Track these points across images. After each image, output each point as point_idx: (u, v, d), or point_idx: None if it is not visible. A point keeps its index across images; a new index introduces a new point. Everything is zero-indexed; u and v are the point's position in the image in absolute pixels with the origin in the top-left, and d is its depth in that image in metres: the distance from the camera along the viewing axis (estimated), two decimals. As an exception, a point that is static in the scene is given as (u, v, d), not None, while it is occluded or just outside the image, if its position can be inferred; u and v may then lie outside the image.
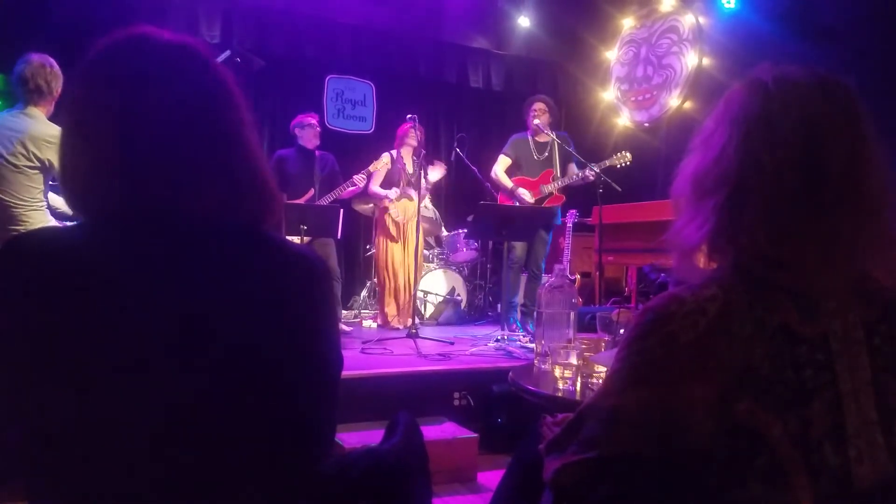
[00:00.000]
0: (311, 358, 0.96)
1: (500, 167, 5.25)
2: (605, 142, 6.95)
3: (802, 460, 0.86)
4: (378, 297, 5.68)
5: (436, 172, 5.58)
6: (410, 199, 5.56)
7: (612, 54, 7.34)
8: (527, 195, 5.07)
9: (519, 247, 5.09)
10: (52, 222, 3.30)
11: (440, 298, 6.15)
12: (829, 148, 0.91)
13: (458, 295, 6.23)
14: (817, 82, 0.95)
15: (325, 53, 6.75)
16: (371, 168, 5.39)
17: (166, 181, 0.91)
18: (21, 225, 3.18)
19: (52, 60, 3.27)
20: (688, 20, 6.45)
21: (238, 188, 0.96)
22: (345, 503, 1.10)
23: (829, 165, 0.90)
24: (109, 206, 0.92)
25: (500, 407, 3.64)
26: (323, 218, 4.88)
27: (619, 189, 4.81)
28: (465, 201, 6.88)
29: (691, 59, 6.36)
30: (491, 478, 3.20)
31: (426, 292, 6.05)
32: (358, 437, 3.04)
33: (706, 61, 6.28)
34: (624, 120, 7.16)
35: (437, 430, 3.36)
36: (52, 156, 3.18)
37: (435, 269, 6.20)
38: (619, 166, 5.02)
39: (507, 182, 5.17)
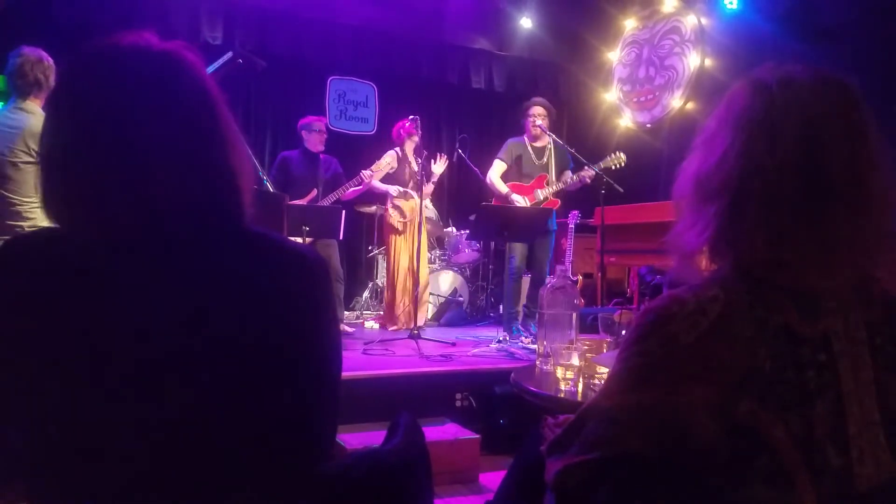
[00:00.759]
0: (310, 358, 0.96)
1: (496, 173, 5.08)
2: (606, 143, 6.94)
3: (804, 461, 0.86)
4: (388, 298, 5.64)
5: (439, 165, 5.55)
6: (413, 198, 5.55)
7: (614, 55, 7.34)
8: (521, 201, 4.95)
9: (519, 256, 4.95)
10: None
11: (442, 299, 6.15)
12: (831, 150, 0.90)
13: (460, 296, 6.23)
14: (821, 83, 0.94)
15: (327, 55, 6.75)
16: (375, 167, 5.38)
17: (148, 192, 0.88)
18: (25, 222, 3.17)
19: (44, 53, 3.24)
20: (690, 21, 6.45)
21: (219, 191, 0.95)
22: (346, 504, 1.10)
23: (830, 168, 0.90)
24: (95, 218, 0.90)
25: (502, 408, 3.64)
26: (325, 218, 4.89)
27: (622, 190, 4.80)
28: (466, 202, 6.88)
29: (693, 60, 6.36)
30: (492, 479, 3.20)
31: (428, 293, 6.05)
32: (359, 438, 3.04)
33: (708, 62, 6.27)
34: (626, 121, 7.16)
35: (439, 431, 3.35)
36: None
37: (437, 269, 6.20)
38: (614, 167, 4.94)
39: (503, 188, 5.01)
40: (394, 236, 5.57)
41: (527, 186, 5.04)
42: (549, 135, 5.05)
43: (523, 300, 5.28)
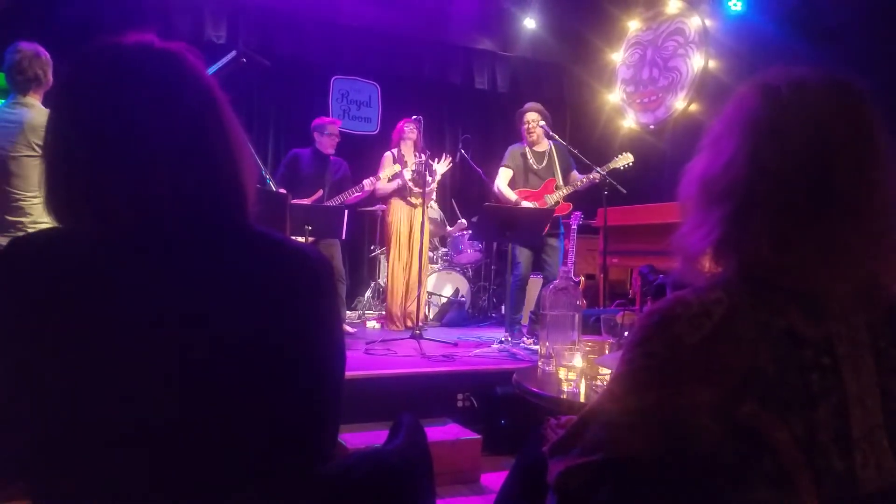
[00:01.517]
0: (313, 357, 0.95)
1: (503, 180, 5.02)
2: (610, 144, 6.94)
3: (807, 464, 0.86)
4: (389, 298, 5.63)
5: (442, 165, 5.52)
6: (413, 205, 5.54)
7: (617, 56, 7.34)
8: (531, 207, 4.88)
9: (524, 263, 4.89)
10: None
11: (444, 300, 6.15)
12: (840, 155, 0.90)
13: (462, 296, 6.23)
14: (830, 88, 0.94)
15: (330, 54, 6.76)
16: (382, 174, 5.38)
17: (150, 191, 0.89)
18: (27, 217, 3.17)
19: (41, 48, 3.24)
20: (694, 22, 6.44)
21: (222, 190, 0.95)
22: (348, 504, 1.10)
23: (838, 173, 0.90)
24: (97, 216, 0.91)
25: (504, 409, 3.64)
26: (327, 218, 4.89)
27: (624, 191, 4.79)
28: (469, 203, 6.88)
29: (697, 62, 6.36)
30: (494, 479, 3.20)
31: (430, 293, 6.05)
32: (361, 438, 3.04)
33: (712, 63, 6.27)
34: (629, 122, 7.16)
35: (441, 432, 3.35)
36: None
37: (439, 270, 6.19)
38: (622, 168, 4.89)
39: (511, 195, 4.95)
40: (395, 236, 5.57)
41: (536, 192, 4.98)
42: (548, 138, 4.99)
43: (530, 306, 5.24)
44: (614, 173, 4.86)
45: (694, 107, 6.41)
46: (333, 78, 7.10)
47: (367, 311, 6.48)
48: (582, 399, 1.81)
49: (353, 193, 5.31)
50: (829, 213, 0.89)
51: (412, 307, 5.40)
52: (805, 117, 0.92)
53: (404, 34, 6.99)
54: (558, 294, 2.21)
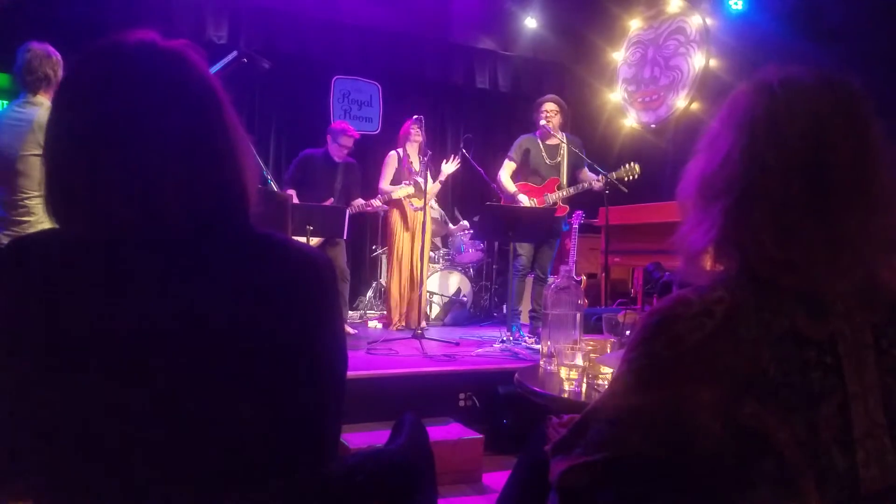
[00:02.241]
0: (315, 357, 0.95)
1: (506, 172, 5.02)
2: (611, 143, 6.94)
3: (809, 464, 0.86)
4: (391, 298, 5.65)
5: (450, 165, 5.50)
6: (416, 209, 5.54)
7: (618, 55, 7.33)
8: (526, 201, 4.88)
9: (525, 254, 4.92)
10: None
11: (446, 299, 6.15)
12: (836, 150, 0.90)
13: (464, 296, 6.23)
14: (823, 84, 0.94)
15: (331, 54, 6.76)
16: (393, 192, 5.40)
17: (152, 190, 0.88)
18: (32, 216, 3.18)
19: (52, 48, 3.26)
20: (695, 21, 6.44)
21: (225, 191, 0.95)
22: (350, 504, 1.10)
23: (835, 168, 0.90)
24: (97, 217, 0.90)
25: (506, 408, 3.65)
26: (329, 218, 4.88)
27: (626, 191, 4.78)
28: (471, 202, 6.88)
29: (698, 61, 6.35)
30: (496, 479, 3.20)
31: (432, 293, 6.05)
32: (363, 438, 3.04)
33: (713, 62, 6.26)
34: (631, 121, 7.15)
35: (443, 431, 3.36)
36: None
37: (441, 269, 6.20)
38: (627, 179, 4.81)
39: (511, 187, 4.95)
40: (397, 236, 5.56)
41: (537, 188, 4.97)
42: (560, 137, 4.97)
43: (526, 301, 5.26)
44: (621, 182, 4.83)
45: (695, 106, 6.40)
46: (334, 78, 7.09)
47: (368, 311, 6.47)
48: (583, 398, 1.81)
49: (361, 207, 5.33)
50: (827, 208, 0.90)
51: (414, 307, 5.40)
52: (801, 112, 0.92)
53: (405, 34, 6.99)
54: (560, 293, 2.21)
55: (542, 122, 4.95)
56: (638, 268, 5.50)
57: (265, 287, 0.92)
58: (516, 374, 2.03)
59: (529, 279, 5.17)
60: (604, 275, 5.57)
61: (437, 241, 6.53)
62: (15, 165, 3.15)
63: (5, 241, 3.10)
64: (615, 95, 7.37)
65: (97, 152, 0.88)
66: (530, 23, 7.31)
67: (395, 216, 5.57)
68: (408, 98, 7.10)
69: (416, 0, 6.86)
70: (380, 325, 5.78)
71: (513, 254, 4.91)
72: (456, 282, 6.23)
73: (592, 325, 3.09)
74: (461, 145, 6.24)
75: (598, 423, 0.97)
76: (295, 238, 1.05)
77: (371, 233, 6.82)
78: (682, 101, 6.50)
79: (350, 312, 6.32)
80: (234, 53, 4.00)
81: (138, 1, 5.70)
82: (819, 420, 0.87)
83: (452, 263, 6.37)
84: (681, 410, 0.90)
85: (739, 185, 0.93)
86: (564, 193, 4.95)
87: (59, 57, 3.25)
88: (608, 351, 2.18)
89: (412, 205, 5.50)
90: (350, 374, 1.04)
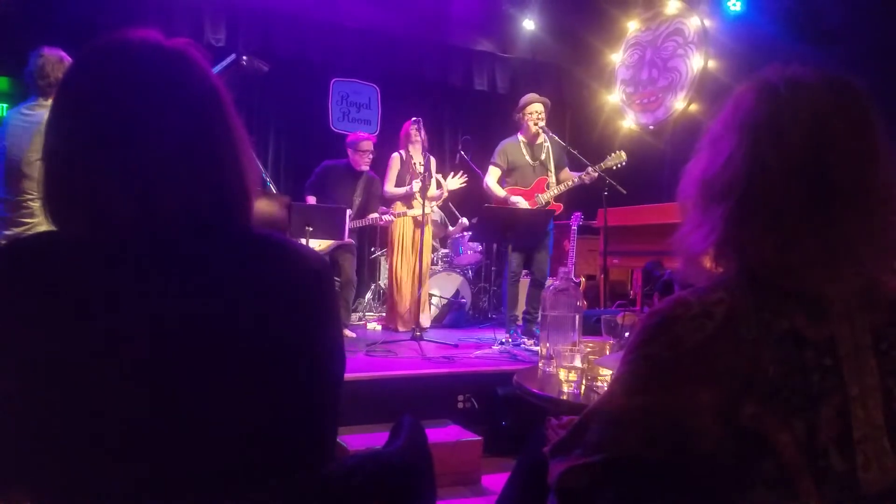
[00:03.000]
0: (312, 360, 0.95)
1: (492, 178, 5.03)
2: (610, 144, 6.93)
3: (808, 466, 0.86)
4: (390, 300, 5.63)
5: (455, 181, 5.48)
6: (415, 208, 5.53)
7: (617, 57, 7.34)
8: (522, 202, 4.90)
9: (515, 260, 4.89)
10: None
11: (445, 301, 6.14)
12: (839, 154, 0.90)
13: (463, 297, 6.22)
14: (828, 86, 0.94)
15: (330, 56, 6.76)
16: (395, 210, 5.42)
17: (152, 191, 0.88)
18: (34, 218, 3.19)
19: (64, 53, 3.32)
20: (693, 23, 6.45)
21: (226, 192, 0.95)
22: (348, 506, 1.10)
23: (837, 171, 0.90)
24: (97, 218, 0.89)
25: (505, 410, 3.64)
26: (329, 219, 4.86)
27: (625, 192, 4.79)
28: (469, 204, 6.87)
29: (696, 62, 6.36)
30: (495, 481, 3.20)
31: (431, 295, 6.05)
32: (362, 440, 3.04)
33: (711, 64, 6.27)
34: (629, 123, 7.16)
35: (442, 433, 3.35)
36: None
37: (440, 271, 6.19)
38: (615, 167, 4.84)
39: (500, 191, 4.96)
40: (397, 238, 5.55)
41: (527, 191, 4.98)
42: (545, 132, 4.97)
43: (522, 305, 5.25)
44: (610, 172, 4.84)
45: (693, 107, 6.41)
46: (333, 80, 7.10)
47: (367, 313, 6.47)
48: (582, 400, 1.81)
49: (373, 221, 5.34)
50: (829, 210, 0.89)
51: (413, 309, 5.40)
52: (803, 114, 0.91)
53: (404, 36, 6.99)
54: (559, 295, 2.21)
55: (532, 125, 4.95)
56: (637, 269, 5.50)
57: (264, 287, 0.91)
58: (515, 376, 2.03)
59: (524, 281, 5.17)
60: (603, 276, 5.57)
61: (436, 242, 6.52)
62: (20, 167, 3.17)
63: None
64: (613, 97, 7.38)
65: (97, 152, 0.88)
66: (528, 25, 7.31)
67: (395, 218, 5.56)
68: (406, 100, 7.10)
69: (415, 2, 6.86)
70: (379, 327, 5.77)
71: (504, 259, 4.91)
72: (455, 284, 6.22)
73: (591, 327, 3.09)
74: (459, 147, 6.25)
75: (598, 424, 0.97)
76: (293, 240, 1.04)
77: (371, 235, 6.81)
78: (680, 103, 6.50)
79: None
80: (233, 56, 4.00)
81: (137, 3, 5.71)
82: (819, 422, 0.87)
83: (451, 265, 6.37)
84: (680, 412, 0.89)
85: (741, 188, 0.93)
86: (555, 192, 4.97)
87: (71, 61, 3.27)
88: (607, 352, 2.18)
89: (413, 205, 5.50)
90: (349, 375, 1.04)
